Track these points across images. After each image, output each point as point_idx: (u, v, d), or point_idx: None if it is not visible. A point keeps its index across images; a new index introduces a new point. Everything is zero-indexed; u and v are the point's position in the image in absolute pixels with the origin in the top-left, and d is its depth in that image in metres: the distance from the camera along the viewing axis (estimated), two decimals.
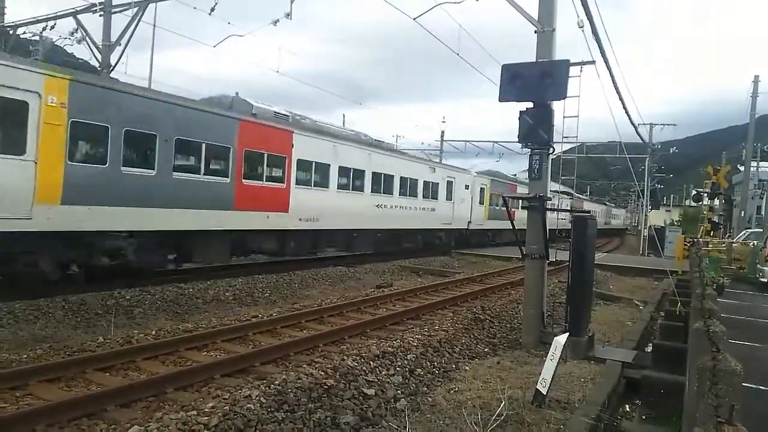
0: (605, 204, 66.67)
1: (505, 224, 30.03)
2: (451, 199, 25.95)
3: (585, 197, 46.84)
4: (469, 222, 27.77)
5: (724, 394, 2.36)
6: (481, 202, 29.40)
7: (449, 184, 25.87)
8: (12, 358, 6.95)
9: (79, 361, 6.81)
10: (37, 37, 19.52)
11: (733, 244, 23.37)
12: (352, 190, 19.17)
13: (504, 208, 29.44)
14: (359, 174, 19.52)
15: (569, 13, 11.39)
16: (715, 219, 27.63)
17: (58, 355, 7.20)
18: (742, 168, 37.50)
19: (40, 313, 9.53)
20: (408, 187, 22.53)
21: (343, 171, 18.60)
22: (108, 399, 5.67)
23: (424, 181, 23.78)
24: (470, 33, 13.69)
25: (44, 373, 6.37)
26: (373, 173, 20.14)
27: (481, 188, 29.35)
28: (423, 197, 23.65)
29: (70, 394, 6.00)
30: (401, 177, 22.00)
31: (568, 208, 28.94)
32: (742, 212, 35.99)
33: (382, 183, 20.82)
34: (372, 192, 20.15)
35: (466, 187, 27.61)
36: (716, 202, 28.17)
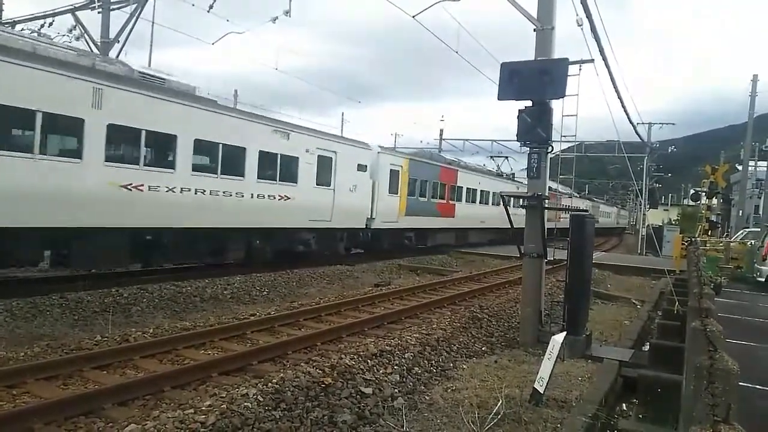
0: (592, 200, 64.00)
1: (436, 222, 25.01)
2: (328, 185, 17.66)
3: (565, 190, 43.40)
4: (371, 218, 19.91)
5: (721, 393, 2.37)
6: (394, 191, 21.40)
7: (324, 160, 17.38)
8: (9, 355, 6.93)
9: (77, 359, 6.79)
10: (35, 34, 19.50)
11: (731, 244, 23.42)
12: (54, 155, 10.66)
13: (434, 200, 24.81)
14: (70, 126, 10.76)
15: (568, 12, 11.41)
16: (713, 218, 27.67)
17: (56, 353, 7.19)
18: (740, 167, 37.56)
19: (38, 311, 9.53)
20: (220, 160, 13.81)
21: (16, 116, 9.97)
22: (105, 397, 5.66)
23: (263, 152, 15.03)
24: (469, 31, 13.68)
25: (41, 371, 6.36)
26: (112, 127, 11.30)
27: (392, 171, 21.26)
28: (260, 178, 15.00)
29: (67, 392, 5.99)
30: (197, 140, 13.17)
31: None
32: (740, 211, 36.08)
33: (143, 147, 12.06)
34: (109, 161, 11.32)
35: (362, 167, 19.37)
36: (714, 201, 28.21)
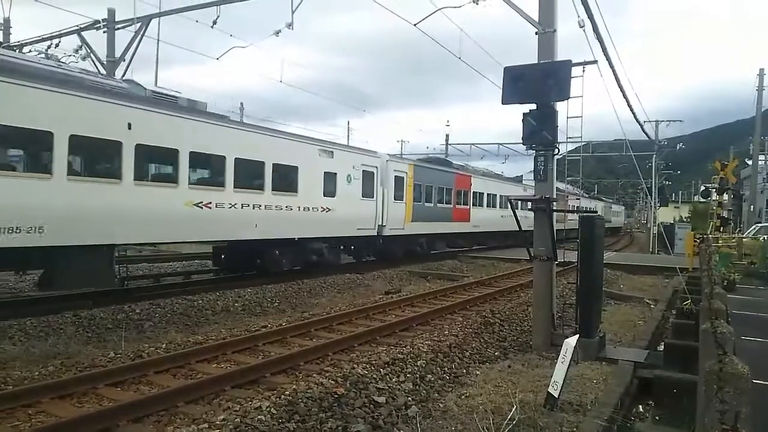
0: (577, 195, 59.02)
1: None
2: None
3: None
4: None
5: (731, 398, 2.34)
6: (400, 198, 21.37)
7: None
8: (24, 375, 6.99)
9: (91, 377, 6.84)
10: (43, 55, 19.76)
11: (744, 239, 23.17)
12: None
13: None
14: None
15: (570, 13, 11.40)
16: (725, 214, 27.37)
17: (70, 371, 7.25)
18: (750, 162, 37.21)
19: (51, 330, 9.60)
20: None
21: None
22: (120, 414, 5.69)
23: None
24: (471, 37, 13.71)
25: (56, 389, 6.40)
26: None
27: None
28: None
29: (82, 410, 6.03)
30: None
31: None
32: (752, 206, 35.71)
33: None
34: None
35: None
36: (725, 197, 27.92)
